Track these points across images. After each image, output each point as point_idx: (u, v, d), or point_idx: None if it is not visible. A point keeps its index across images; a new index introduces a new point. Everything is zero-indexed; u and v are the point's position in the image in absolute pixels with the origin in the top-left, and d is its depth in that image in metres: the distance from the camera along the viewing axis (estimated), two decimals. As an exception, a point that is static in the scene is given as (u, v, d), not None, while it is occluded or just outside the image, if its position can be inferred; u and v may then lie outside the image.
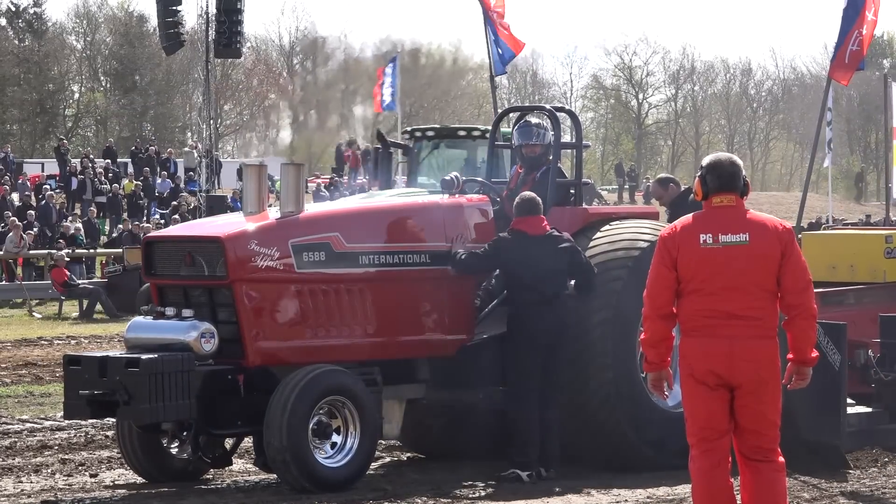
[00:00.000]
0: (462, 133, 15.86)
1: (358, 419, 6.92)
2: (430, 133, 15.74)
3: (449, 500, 6.76)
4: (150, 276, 7.28)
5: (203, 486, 7.22)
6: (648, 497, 6.79)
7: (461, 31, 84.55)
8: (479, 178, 8.28)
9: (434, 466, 7.74)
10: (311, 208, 7.49)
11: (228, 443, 7.37)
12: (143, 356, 6.66)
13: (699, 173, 5.11)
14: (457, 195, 7.78)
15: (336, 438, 6.93)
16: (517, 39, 13.87)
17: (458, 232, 7.59)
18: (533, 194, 7.39)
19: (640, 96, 55.65)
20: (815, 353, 5.04)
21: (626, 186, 41.46)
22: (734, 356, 4.93)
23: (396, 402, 7.50)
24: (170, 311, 6.91)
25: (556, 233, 7.31)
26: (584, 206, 8.26)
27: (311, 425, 6.79)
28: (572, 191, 8.18)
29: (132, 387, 6.60)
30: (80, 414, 6.94)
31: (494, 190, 7.98)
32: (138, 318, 7.07)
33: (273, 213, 7.19)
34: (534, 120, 8.17)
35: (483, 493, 6.92)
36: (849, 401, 7.67)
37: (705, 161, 5.15)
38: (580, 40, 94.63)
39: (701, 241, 4.96)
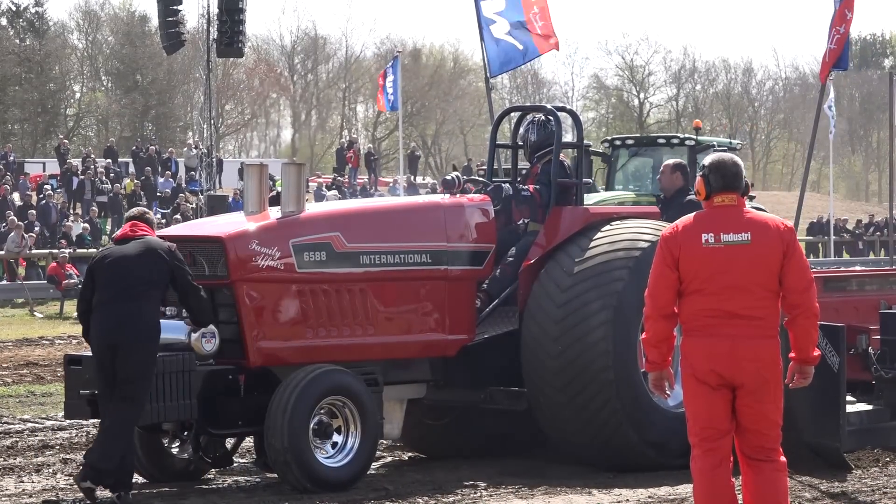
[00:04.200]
0: (661, 141, 16.55)
1: (359, 419, 6.91)
2: (629, 141, 16.39)
3: (450, 500, 6.76)
4: (151, 275, 7.26)
5: (204, 486, 7.22)
6: (650, 497, 6.78)
7: (461, 31, 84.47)
8: (481, 178, 8.28)
9: (435, 466, 7.73)
10: (312, 208, 7.49)
11: (229, 443, 7.37)
12: (145, 356, 6.64)
13: (701, 173, 5.10)
14: (458, 195, 7.78)
15: (337, 438, 6.93)
16: (548, 38, 13.48)
17: (458, 232, 7.59)
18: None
19: (642, 96, 55.66)
20: (817, 353, 5.04)
21: (628, 186, 41.40)
22: (736, 356, 4.93)
23: (397, 403, 7.50)
24: (171, 310, 6.91)
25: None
26: (585, 205, 8.26)
27: (311, 425, 6.79)
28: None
29: (133, 387, 6.59)
30: (80, 414, 6.92)
31: (496, 190, 7.97)
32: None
33: (274, 213, 7.19)
34: (531, 117, 8.18)
35: (484, 493, 6.91)
36: (849, 398, 7.66)
37: (707, 161, 5.15)
38: (581, 40, 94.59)
39: (703, 241, 4.96)
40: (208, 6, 25.74)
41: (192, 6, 56.11)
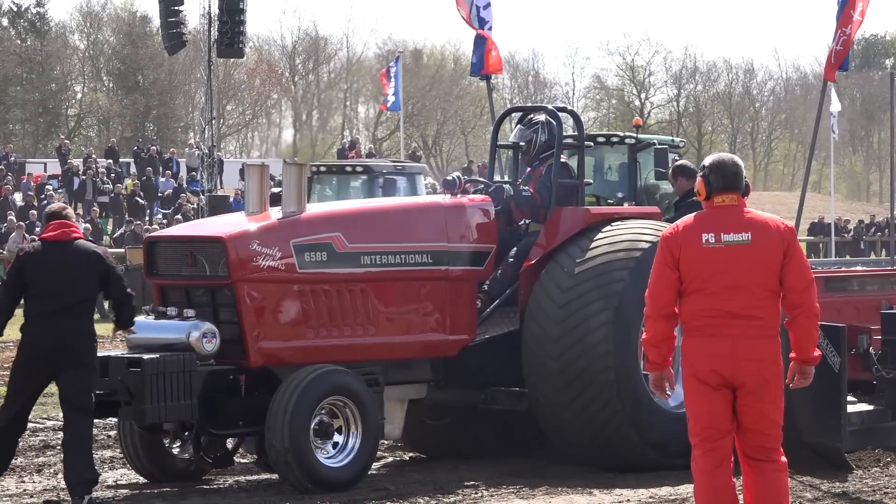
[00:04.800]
0: (601, 139, 15.98)
1: (359, 419, 6.92)
2: (567, 140, 15.98)
3: (451, 500, 6.75)
4: (151, 275, 7.27)
5: (206, 486, 7.21)
6: (651, 497, 6.77)
7: (462, 32, 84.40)
8: (481, 178, 8.27)
9: (436, 466, 7.73)
10: (313, 208, 7.48)
11: (230, 443, 7.36)
12: (145, 356, 6.65)
13: (702, 173, 5.10)
14: (458, 195, 7.78)
15: (338, 438, 6.93)
16: (497, 62, 13.89)
17: (459, 232, 7.59)
18: None
19: (643, 96, 55.66)
20: (817, 352, 5.04)
21: (628, 185, 41.58)
22: (736, 356, 4.93)
23: (398, 403, 7.49)
24: (171, 311, 6.91)
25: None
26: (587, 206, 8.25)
27: (312, 426, 6.79)
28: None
29: (134, 387, 6.59)
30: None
31: (497, 190, 7.96)
32: (140, 318, 7.06)
33: (275, 213, 7.18)
34: (537, 117, 8.18)
35: (485, 493, 6.91)
36: (850, 398, 7.65)
37: (708, 161, 5.15)
38: (582, 40, 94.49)
39: (703, 241, 4.96)
40: (209, 7, 25.73)
41: (193, 7, 56.28)
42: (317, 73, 50.97)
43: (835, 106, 24.11)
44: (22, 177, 30.58)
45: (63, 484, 7.25)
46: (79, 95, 48.29)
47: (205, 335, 6.76)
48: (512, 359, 7.54)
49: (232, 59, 33.07)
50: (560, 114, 8.26)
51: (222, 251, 6.89)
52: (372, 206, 7.83)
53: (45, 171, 33.84)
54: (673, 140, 16.68)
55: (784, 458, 5.05)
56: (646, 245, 7.46)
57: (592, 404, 7.33)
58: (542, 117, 8.19)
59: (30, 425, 9.40)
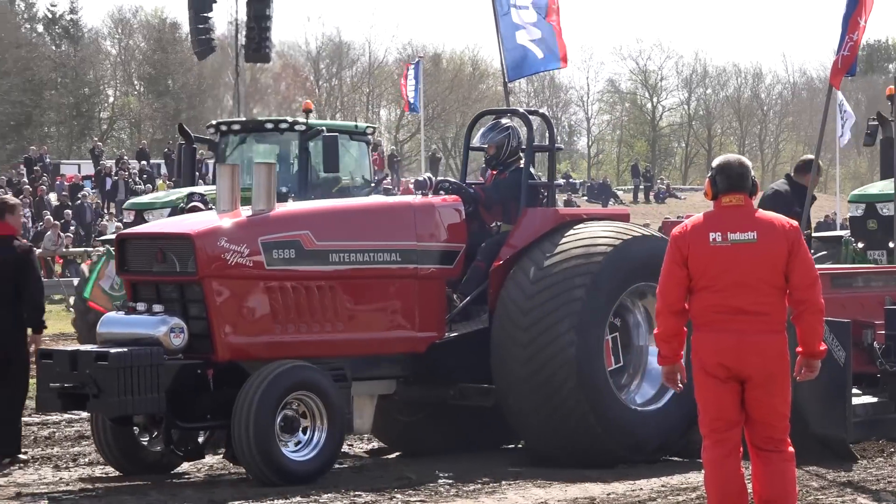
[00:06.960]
0: (269, 126, 14.48)
1: (325, 414, 6.93)
2: (235, 127, 14.66)
3: (471, 489, 6.78)
4: (123, 272, 7.35)
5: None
6: (663, 486, 6.85)
7: (480, 37, 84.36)
8: (453, 179, 8.28)
9: (456, 456, 7.72)
10: (283, 207, 7.51)
11: (202, 436, 7.43)
12: (112, 350, 6.70)
13: (709, 174, 5.19)
14: (429, 195, 7.82)
15: (304, 432, 6.94)
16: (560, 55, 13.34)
17: (429, 231, 7.60)
18: None
19: (655, 100, 55.61)
20: (823, 347, 5.13)
21: (642, 187, 42.35)
22: (742, 350, 5.01)
23: (367, 398, 7.52)
24: (141, 306, 6.97)
25: None
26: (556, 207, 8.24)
27: (277, 420, 6.81)
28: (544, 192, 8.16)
29: (101, 380, 6.63)
30: (51, 407, 7.03)
31: (468, 190, 7.98)
32: (110, 314, 7.16)
33: (245, 212, 7.22)
34: (504, 121, 8.17)
35: (504, 483, 6.92)
36: (855, 391, 7.69)
37: (715, 162, 5.23)
38: (596, 46, 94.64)
39: (710, 240, 5.05)
40: (237, 13, 26.00)
41: (221, 14, 56.79)
42: (340, 78, 51.21)
43: (848, 115, 23.76)
44: (56, 177, 31.03)
45: (97, 473, 7.32)
46: (111, 99, 48.85)
47: (172, 330, 6.82)
48: (480, 356, 7.55)
49: (258, 64, 33.32)
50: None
51: (191, 248, 6.93)
52: (341, 205, 7.87)
53: (79, 171, 34.27)
54: (356, 125, 14.92)
55: (791, 449, 5.14)
56: (603, 248, 7.39)
57: (561, 409, 7.33)
58: (508, 121, 8.15)
59: (65, 416, 9.49)
